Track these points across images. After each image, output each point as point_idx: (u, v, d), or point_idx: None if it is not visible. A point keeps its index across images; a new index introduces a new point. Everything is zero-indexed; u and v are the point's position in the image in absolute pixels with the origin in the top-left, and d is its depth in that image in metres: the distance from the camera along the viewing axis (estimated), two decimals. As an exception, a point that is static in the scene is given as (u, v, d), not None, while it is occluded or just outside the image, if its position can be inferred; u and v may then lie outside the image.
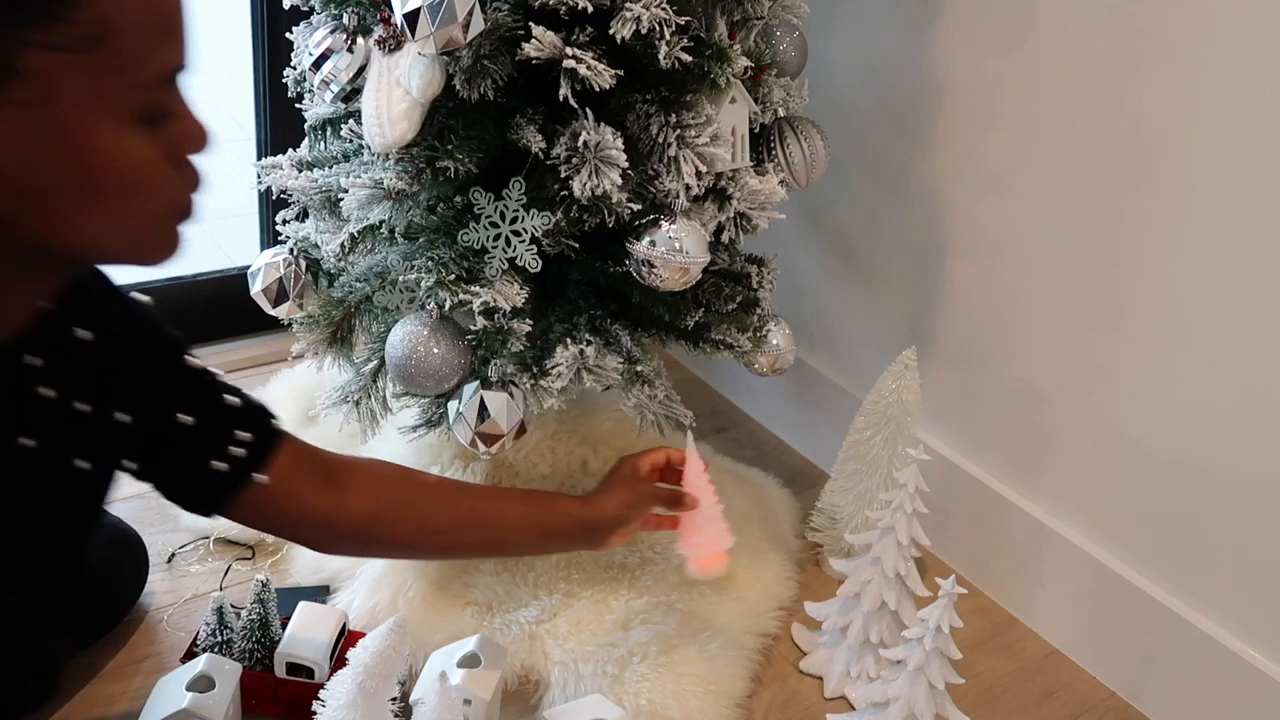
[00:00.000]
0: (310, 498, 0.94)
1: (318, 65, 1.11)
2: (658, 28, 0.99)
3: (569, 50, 0.98)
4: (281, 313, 1.25)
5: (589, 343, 1.13)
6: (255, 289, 1.24)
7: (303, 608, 1.13)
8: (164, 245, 0.70)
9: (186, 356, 0.88)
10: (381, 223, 1.13)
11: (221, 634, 1.11)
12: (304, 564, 1.31)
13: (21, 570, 0.75)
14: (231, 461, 0.88)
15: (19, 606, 0.72)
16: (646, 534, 1.30)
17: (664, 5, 0.99)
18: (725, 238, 1.18)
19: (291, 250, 1.24)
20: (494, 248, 1.06)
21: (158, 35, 0.62)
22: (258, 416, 0.91)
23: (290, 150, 1.23)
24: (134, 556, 1.22)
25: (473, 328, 1.11)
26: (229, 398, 0.90)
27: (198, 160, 0.70)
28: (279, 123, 1.64)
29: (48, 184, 0.62)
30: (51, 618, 0.75)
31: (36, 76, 0.58)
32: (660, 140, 1.03)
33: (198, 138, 0.68)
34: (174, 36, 0.64)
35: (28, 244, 0.65)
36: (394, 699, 0.94)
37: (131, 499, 1.36)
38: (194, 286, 1.73)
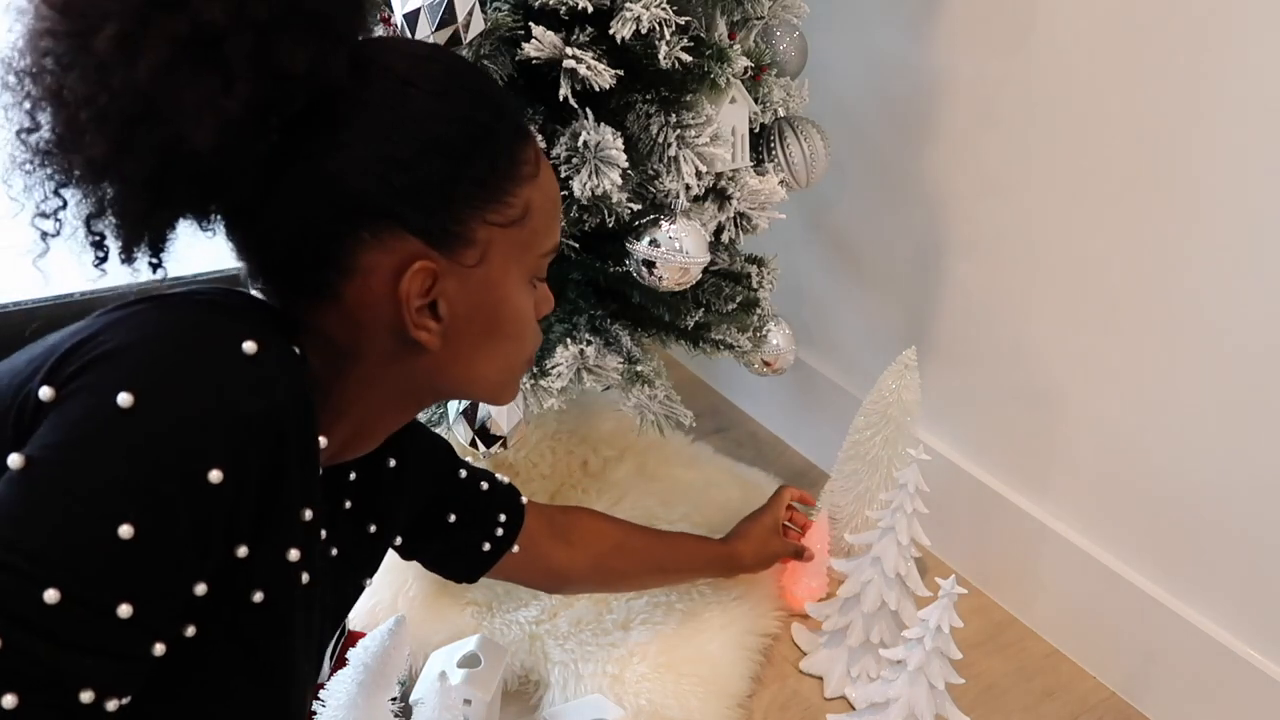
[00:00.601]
0: (550, 556, 1.09)
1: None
2: (658, 28, 0.99)
3: (569, 50, 0.98)
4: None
5: (589, 343, 1.13)
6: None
7: (303, 608, 1.13)
8: (514, 388, 0.82)
9: (460, 470, 1.01)
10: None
11: (221, 634, 1.10)
12: (304, 564, 1.30)
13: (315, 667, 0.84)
14: (493, 542, 1.02)
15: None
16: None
17: (664, 5, 0.99)
18: (725, 238, 1.18)
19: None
20: (494, 248, 1.06)
21: (553, 217, 0.77)
22: (509, 498, 1.05)
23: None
24: None
25: (473, 328, 1.11)
26: (483, 484, 1.02)
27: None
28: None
29: (472, 330, 0.73)
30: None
31: (480, 245, 0.71)
32: (660, 140, 1.03)
33: (551, 303, 0.82)
34: (559, 220, 0.79)
35: (432, 384, 0.75)
36: (394, 699, 0.94)
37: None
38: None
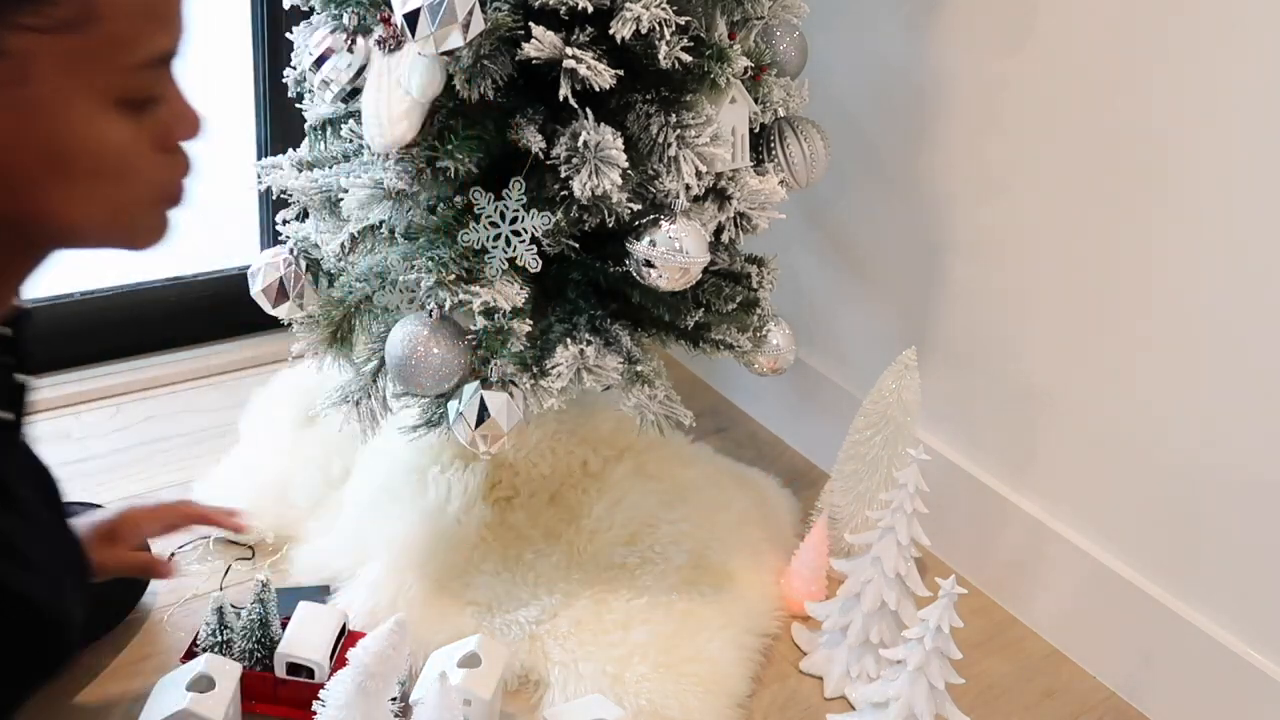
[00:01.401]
0: None
1: (318, 65, 1.11)
2: (658, 28, 0.99)
3: (569, 50, 0.98)
4: (281, 313, 1.25)
5: (589, 343, 1.13)
6: (255, 289, 1.24)
7: (303, 608, 1.13)
8: (150, 231, 0.69)
9: None
10: (381, 223, 1.13)
11: (221, 634, 1.11)
12: (304, 564, 1.31)
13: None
14: None
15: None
16: (649, 533, 1.32)
17: (664, 5, 0.99)
18: (725, 238, 1.18)
19: (291, 250, 1.24)
20: (494, 248, 1.06)
21: (145, 19, 0.61)
22: None
23: (290, 150, 1.23)
24: None
25: (473, 328, 1.11)
26: None
27: (189, 146, 0.68)
28: (279, 123, 1.64)
29: (24, 163, 0.61)
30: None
31: (14, 56, 0.57)
32: (660, 140, 1.03)
33: (189, 123, 0.67)
34: (164, 21, 0.63)
35: (9, 224, 0.64)
36: (394, 699, 0.94)
37: (131, 499, 1.36)
38: (194, 286, 1.73)
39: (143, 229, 0.68)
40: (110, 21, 0.59)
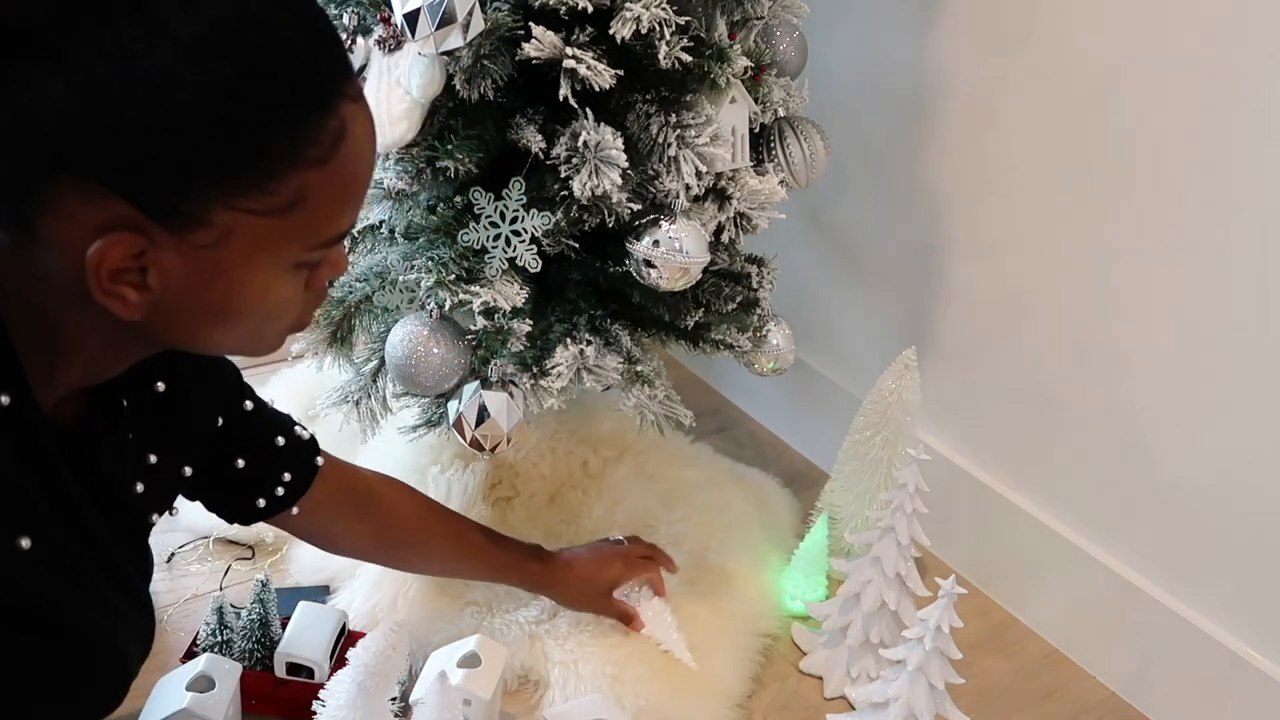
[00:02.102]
0: (332, 526, 1.06)
1: (318, 65, 1.11)
2: (658, 28, 0.99)
3: (569, 50, 0.98)
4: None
5: (589, 343, 1.13)
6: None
7: (303, 608, 1.13)
8: (269, 348, 0.73)
9: (245, 401, 0.95)
10: (381, 223, 1.13)
11: (221, 634, 1.11)
12: (304, 564, 1.31)
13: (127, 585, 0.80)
14: (270, 500, 0.98)
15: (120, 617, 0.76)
16: (648, 534, 1.32)
17: (664, 5, 0.99)
18: (725, 238, 1.18)
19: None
20: (494, 248, 1.06)
21: (344, 204, 0.66)
22: (301, 456, 1.00)
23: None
24: None
25: (473, 328, 1.11)
26: (279, 439, 0.97)
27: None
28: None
29: (193, 309, 0.65)
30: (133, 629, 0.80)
31: (215, 227, 0.61)
32: (660, 140, 1.03)
33: (339, 269, 0.72)
34: (356, 206, 0.68)
35: (153, 338, 0.69)
36: (394, 699, 0.94)
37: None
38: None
39: (263, 349, 0.73)
40: (314, 208, 0.64)
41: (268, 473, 0.97)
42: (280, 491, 0.98)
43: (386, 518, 1.10)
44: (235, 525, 1.00)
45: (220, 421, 0.91)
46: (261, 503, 0.97)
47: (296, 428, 1.00)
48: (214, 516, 1.21)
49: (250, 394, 0.96)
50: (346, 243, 1.11)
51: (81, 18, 0.56)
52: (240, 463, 0.94)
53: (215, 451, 0.91)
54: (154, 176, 0.58)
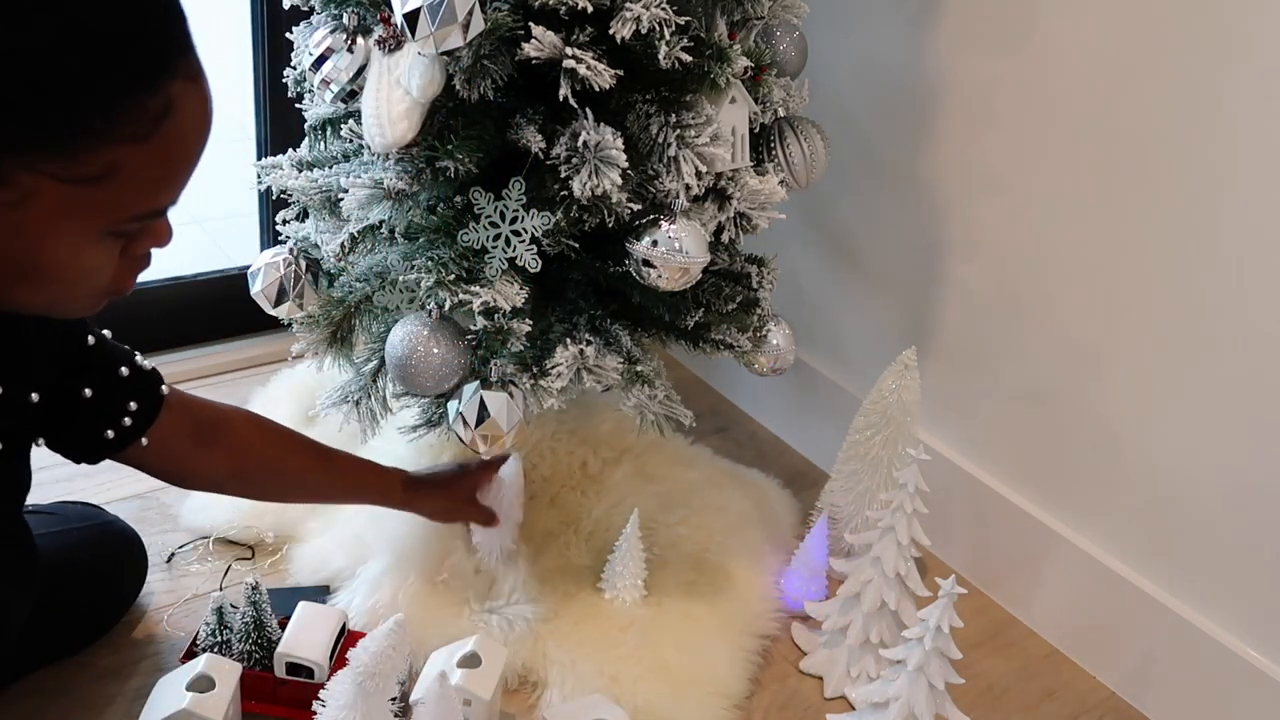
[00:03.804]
0: (181, 454, 1.06)
1: (318, 65, 1.11)
2: (658, 28, 0.99)
3: (569, 50, 0.98)
4: (281, 313, 1.25)
5: (589, 343, 1.13)
6: (255, 289, 1.24)
7: (303, 608, 1.13)
8: (81, 312, 0.73)
9: (87, 336, 0.95)
10: (381, 223, 1.13)
11: (221, 634, 1.11)
12: (304, 564, 1.31)
13: None
14: (118, 430, 0.98)
15: None
16: (647, 535, 1.32)
17: (664, 5, 0.99)
18: (725, 238, 1.18)
19: (291, 250, 1.24)
20: (494, 248, 1.06)
21: (155, 186, 0.66)
22: (146, 386, 1.00)
23: (290, 150, 1.23)
24: (131, 555, 1.22)
25: (473, 328, 1.11)
26: (122, 369, 0.98)
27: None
28: (279, 123, 1.64)
29: None
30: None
31: (20, 187, 0.61)
32: (660, 140, 1.03)
33: (162, 239, 0.72)
34: (173, 187, 0.67)
35: None
36: (394, 699, 0.94)
37: (131, 499, 1.36)
38: (194, 286, 1.73)
39: (76, 311, 0.73)
40: (126, 184, 0.63)
41: (114, 403, 0.97)
42: (128, 421, 0.98)
43: (239, 443, 1.10)
44: (84, 464, 1.00)
45: (63, 350, 0.91)
46: (110, 434, 0.97)
47: (138, 358, 1.01)
48: (214, 516, 1.23)
49: (92, 329, 0.96)
50: (345, 244, 1.12)
51: None
52: (87, 392, 0.93)
53: (61, 383, 0.91)
54: None
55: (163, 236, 0.72)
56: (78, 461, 1.00)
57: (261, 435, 1.13)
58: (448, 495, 1.24)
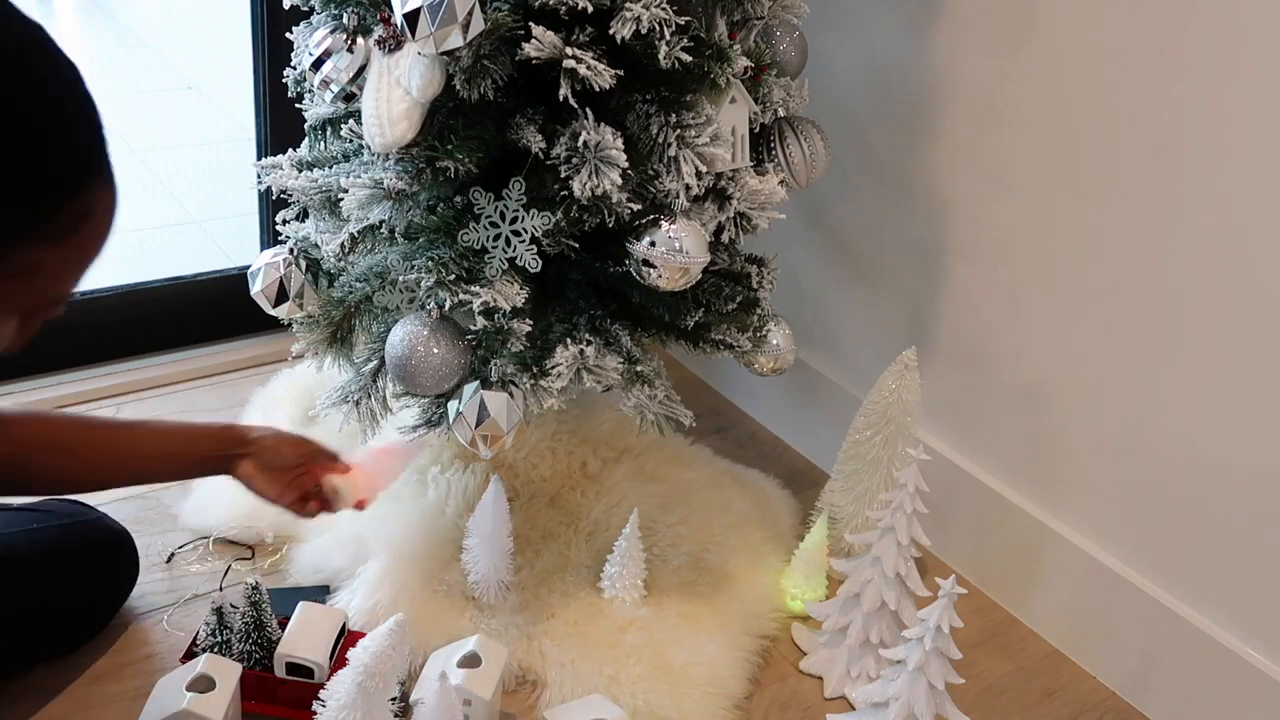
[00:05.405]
0: None
1: (318, 65, 1.11)
2: (658, 28, 0.99)
3: (569, 50, 0.98)
4: (281, 313, 1.25)
5: (589, 343, 1.13)
6: (255, 289, 1.24)
7: (303, 608, 1.14)
8: None
9: None
10: (381, 223, 1.13)
11: (221, 634, 1.11)
12: (304, 564, 1.31)
13: None
14: None
15: None
16: (647, 535, 1.32)
17: (664, 5, 0.99)
18: (725, 238, 1.18)
19: (291, 250, 1.24)
20: (494, 248, 1.06)
21: (72, 277, 0.70)
22: None
23: (290, 150, 1.23)
24: (120, 553, 1.21)
25: (473, 328, 1.11)
26: None
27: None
28: (279, 123, 1.64)
29: None
30: None
31: None
32: (660, 140, 1.03)
33: (58, 315, 0.74)
34: (85, 275, 0.70)
35: None
36: (394, 699, 0.94)
37: (130, 499, 1.36)
38: (194, 286, 1.73)
39: None
40: (44, 278, 0.67)
41: None
42: None
43: (19, 430, 1.04)
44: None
45: None
46: None
47: None
48: (214, 516, 1.21)
49: None
50: (345, 244, 1.12)
51: None
52: None
53: None
54: None
55: (60, 313, 0.74)
56: None
57: (38, 417, 1.08)
58: (267, 459, 1.13)
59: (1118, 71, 1.20)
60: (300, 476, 1.15)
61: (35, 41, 0.64)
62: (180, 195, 2.46)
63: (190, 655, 1.12)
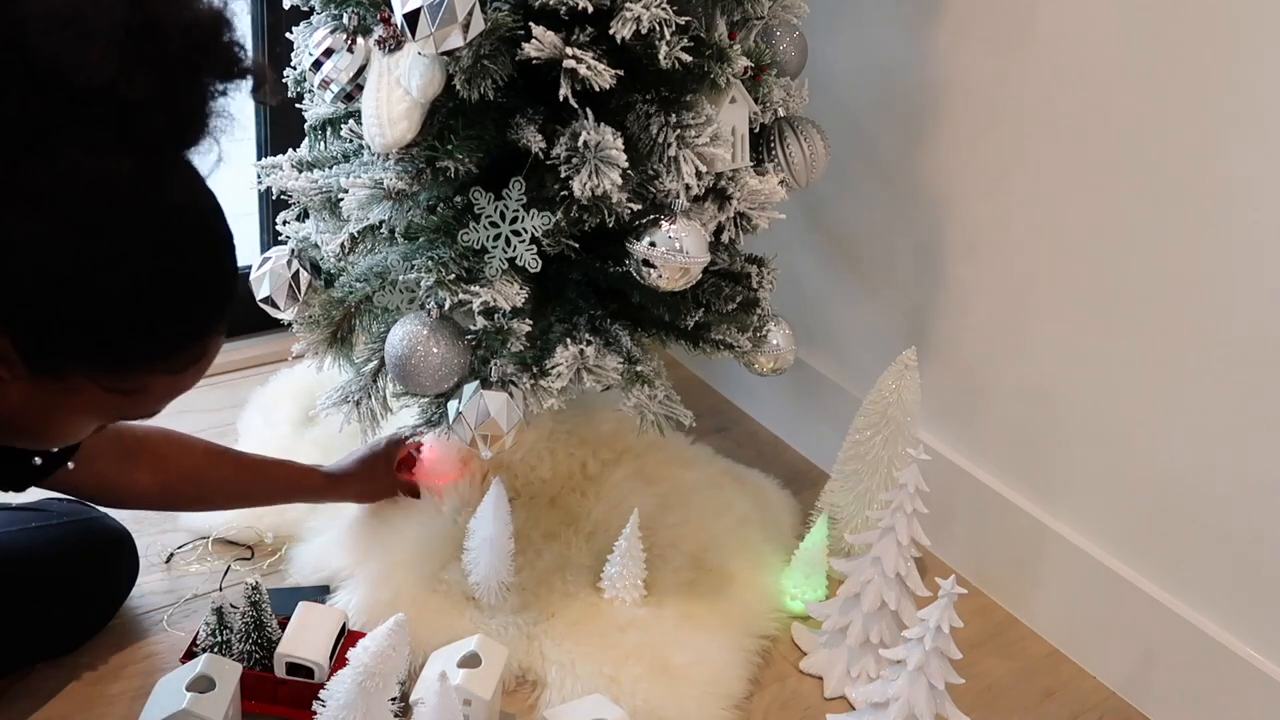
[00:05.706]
0: (109, 476, 1.11)
1: (318, 65, 1.11)
2: (658, 28, 0.99)
3: (569, 50, 0.98)
4: (281, 313, 1.25)
5: (589, 343, 1.13)
6: (259, 295, 1.24)
7: (303, 608, 1.13)
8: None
9: None
10: (381, 223, 1.13)
11: (221, 634, 1.11)
12: (303, 564, 1.30)
13: None
14: (46, 455, 1.00)
15: None
16: (647, 536, 1.31)
17: (664, 5, 0.99)
18: (725, 238, 1.18)
19: (291, 250, 1.24)
20: (494, 248, 1.06)
21: (167, 400, 0.77)
22: None
23: (290, 150, 1.23)
24: (119, 552, 1.21)
25: (473, 328, 1.11)
26: None
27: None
28: (279, 123, 1.64)
29: (9, 422, 0.73)
30: None
31: (70, 385, 0.70)
32: (660, 140, 1.03)
33: (140, 417, 0.79)
34: (174, 400, 0.77)
35: None
36: (394, 699, 0.94)
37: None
38: (194, 286, 1.73)
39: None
40: (149, 398, 0.75)
41: None
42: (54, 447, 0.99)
43: (161, 459, 1.16)
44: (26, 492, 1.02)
45: None
46: (38, 460, 0.99)
47: None
48: (213, 517, 1.23)
49: None
50: (346, 244, 1.12)
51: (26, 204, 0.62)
52: None
53: None
54: (47, 339, 0.67)
55: (146, 417, 0.80)
56: (4, 490, 1.00)
57: (178, 448, 1.18)
58: (364, 477, 1.31)
59: (1118, 71, 1.20)
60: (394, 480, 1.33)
61: (217, 202, 0.72)
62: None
63: (190, 655, 1.12)
